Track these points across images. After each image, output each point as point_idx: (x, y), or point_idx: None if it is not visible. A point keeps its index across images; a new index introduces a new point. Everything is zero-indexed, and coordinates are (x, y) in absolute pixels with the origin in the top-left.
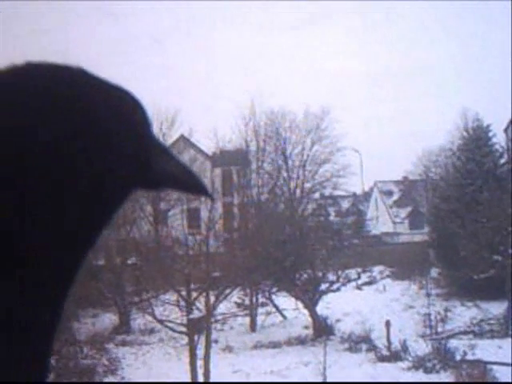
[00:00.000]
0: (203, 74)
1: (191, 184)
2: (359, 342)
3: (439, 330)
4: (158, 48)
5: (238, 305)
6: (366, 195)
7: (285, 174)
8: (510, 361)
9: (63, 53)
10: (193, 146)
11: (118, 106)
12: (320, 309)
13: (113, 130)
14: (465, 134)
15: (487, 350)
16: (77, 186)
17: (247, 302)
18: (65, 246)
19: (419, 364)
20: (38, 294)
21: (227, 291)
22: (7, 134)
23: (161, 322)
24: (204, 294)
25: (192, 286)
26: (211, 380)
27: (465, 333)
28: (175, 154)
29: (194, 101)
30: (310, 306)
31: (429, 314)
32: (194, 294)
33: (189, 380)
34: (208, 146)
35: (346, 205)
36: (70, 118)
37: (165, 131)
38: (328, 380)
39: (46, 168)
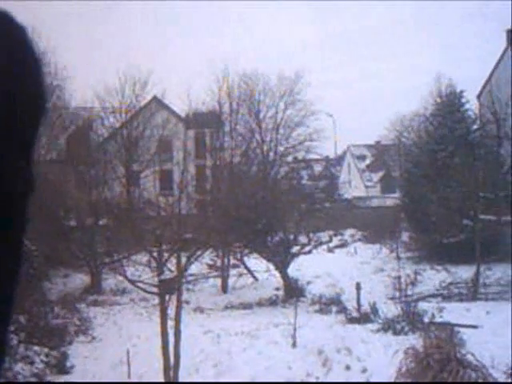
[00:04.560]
0: (178, 34)
1: None
2: (329, 304)
3: (409, 292)
4: (135, 6)
5: (210, 266)
6: (339, 159)
7: (258, 137)
8: (476, 323)
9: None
10: (166, 107)
11: None
12: (291, 271)
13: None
14: (438, 99)
15: (455, 312)
16: None
17: (219, 263)
18: None
19: (388, 326)
20: None
21: (199, 252)
22: None
23: (132, 282)
24: (175, 255)
25: (164, 247)
26: (182, 340)
27: (434, 296)
28: None
29: (168, 62)
30: (282, 267)
31: (399, 277)
32: (166, 256)
33: (159, 339)
34: (181, 107)
35: (318, 168)
36: None
37: (137, 92)
38: (298, 341)
39: None
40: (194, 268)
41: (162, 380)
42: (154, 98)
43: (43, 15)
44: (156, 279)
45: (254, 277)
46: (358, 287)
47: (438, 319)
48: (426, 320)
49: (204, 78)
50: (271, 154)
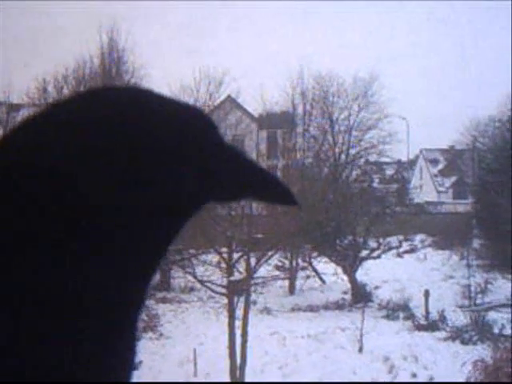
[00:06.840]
0: (253, 35)
1: (274, 193)
2: (397, 310)
3: (478, 301)
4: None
5: (278, 267)
6: (411, 163)
7: (330, 139)
8: None
9: None
10: (239, 107)
11: (181, 122)
12: (359, 275)
13: (176, 146)
14: None
15: None
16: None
17: (287, 265)
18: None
19: (456, 335)
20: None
21: (269, 254)
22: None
23: (201, 282)
24: (245, 257)
25: (233, 247)
26: (248, 341)
27: (504, 306)
28: (253, 161)
29: (243, 62)
30: (350, 271)
31: (468, 285)
32: (236, 257)
33: (226, 339)
34: (254, 107)
35: (390, 172)
36: (135, 138)
37: (212, 91)
38: (364, 346)
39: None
40: (262, 269)
41: (228, 379)
42: (228, 98)
43: (124, 12)
44: (225, 280)
45: (322, 279)
46: (427, 294)
47: (508, 331)
48: (496, 330)
49: (278, 79)
50: (343, 156)
